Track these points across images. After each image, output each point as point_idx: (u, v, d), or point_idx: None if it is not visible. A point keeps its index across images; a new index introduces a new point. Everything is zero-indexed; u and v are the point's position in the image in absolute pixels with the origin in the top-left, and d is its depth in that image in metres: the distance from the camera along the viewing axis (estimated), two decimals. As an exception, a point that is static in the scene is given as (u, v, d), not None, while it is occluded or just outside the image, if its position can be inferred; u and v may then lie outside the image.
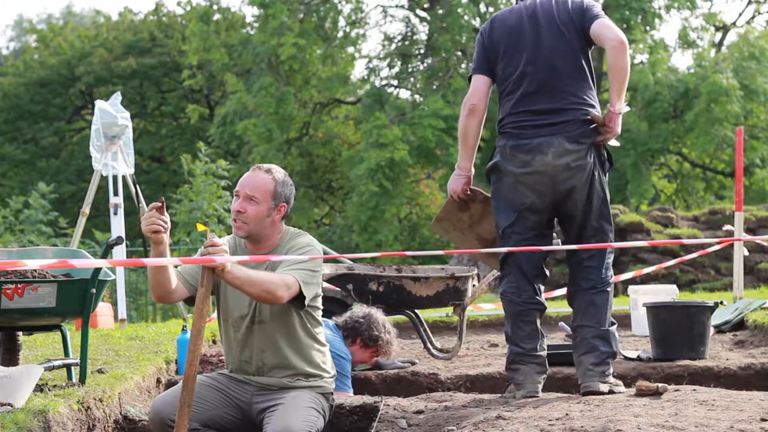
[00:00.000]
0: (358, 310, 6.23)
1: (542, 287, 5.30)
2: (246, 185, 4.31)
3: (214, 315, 9.27)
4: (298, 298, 4.17)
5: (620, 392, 5.05)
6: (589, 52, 5.17)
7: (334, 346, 5.56)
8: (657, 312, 6.50)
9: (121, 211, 9.28)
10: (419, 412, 4.85)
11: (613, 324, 5.18)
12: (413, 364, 6.59)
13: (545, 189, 5.05)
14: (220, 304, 4.45)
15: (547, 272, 5.33)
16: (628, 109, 5.19)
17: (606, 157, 5.14)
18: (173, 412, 4.05)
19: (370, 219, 23.38)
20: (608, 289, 5.19)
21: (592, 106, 5.07)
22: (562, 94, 5.05)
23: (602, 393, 4.93)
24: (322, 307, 4.48)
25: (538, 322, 5.20)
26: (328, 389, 4.41)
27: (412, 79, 26.69)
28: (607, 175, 5.20)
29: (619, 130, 5.06)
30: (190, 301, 4.36)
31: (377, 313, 6.11)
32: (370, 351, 6.08)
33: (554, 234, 5.39)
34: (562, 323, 7.90)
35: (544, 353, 5.18)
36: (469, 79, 5.37)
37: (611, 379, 5.10)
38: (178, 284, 4.26)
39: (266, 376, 4.35)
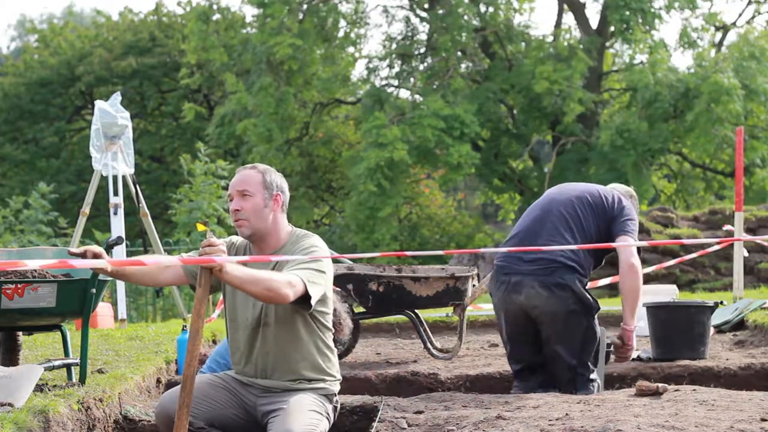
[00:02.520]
0: None
1: None
2: (236, 184, 4.34)
3: (214, 315, 9.30)
4: (305, 299, 4.13)
5: None
6: (600, 232, 5.53)
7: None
8: (657, 312, 6.50)
9: (121, 211, 9.27)
10: (419, 412, 4.84)
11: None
12: None
13: (520, 319, 5.53)
14: (227, 306, 4.44)
15: None
16: (643, 324, 5.51)
17: (591, 302, 5.45)
18: None
19: (367, 218, 23.38)
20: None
21: (571, 261, 5.39)
22: (553, 240, 5.45)
23: None
24: (331, 311, 4.45)
25: None
26: (331, 391, 4.38)
27: (412, 79, 26.68)
28: (596, 318, 5.51)
29: (635, 345, 5.69)
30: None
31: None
32: None
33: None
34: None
35: None
36: None
37: None
38: (171, 270, 4.31)
39: (269, 378, 4.34)
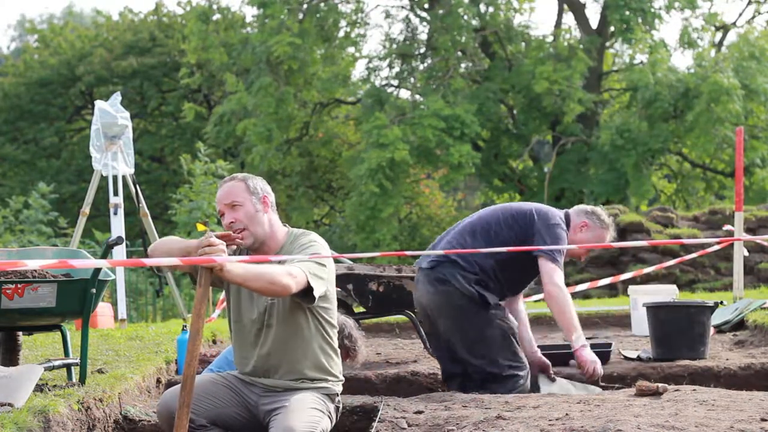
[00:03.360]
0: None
1: None
2: (223, 198, 4.38)
3: (214, 315, 9.30)
4: (307, 294, 4.14)
5: None
6: (515, 240, 5.53)
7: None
8: (657, 312, 6.49)
9: (121, 211, 9.28)
10: (419, 412, 4.84)
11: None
12: None
13: (424, 314, 5.74)
14: (232, 307, 4.44)
15: None
16: (586, 342, 5.42)
17: (479, 299, 5.47)
18: None
19: (368, 219, 23.38)
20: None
21: (458, 258, 5.52)
22: (454, 244, 5.59)
23: None
24: (334, 307, 4.43)
25: None
26: (333, 390, 4.38)
27: (412, 79, 26.67)
28: (497, 314, 5.52)
29: (589, 358, 5.41)
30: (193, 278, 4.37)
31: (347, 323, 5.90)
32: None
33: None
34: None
35: None
36: None
37: None
38: None
39: (272, 378, 4.34)
